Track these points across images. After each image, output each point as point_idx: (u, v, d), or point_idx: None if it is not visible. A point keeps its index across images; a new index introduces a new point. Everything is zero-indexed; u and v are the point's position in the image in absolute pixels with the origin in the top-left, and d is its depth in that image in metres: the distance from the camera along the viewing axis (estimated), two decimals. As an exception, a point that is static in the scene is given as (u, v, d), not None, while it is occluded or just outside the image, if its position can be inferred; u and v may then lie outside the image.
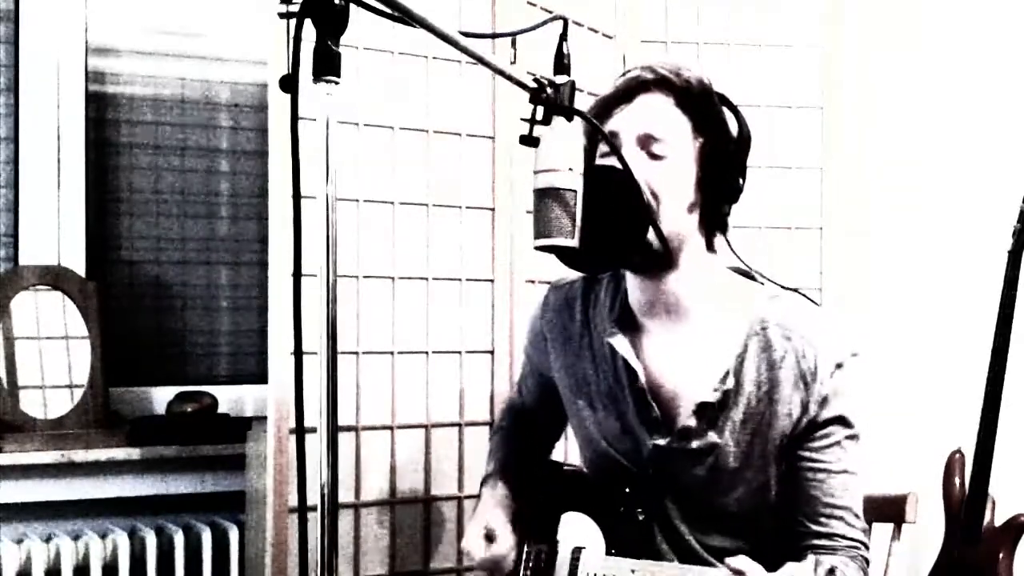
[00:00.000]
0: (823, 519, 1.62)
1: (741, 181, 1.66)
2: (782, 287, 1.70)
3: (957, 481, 2.52)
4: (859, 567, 1.62)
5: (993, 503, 2.42)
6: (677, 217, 1.61)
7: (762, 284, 1.72)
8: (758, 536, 1.67)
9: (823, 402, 1.60)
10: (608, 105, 1.64)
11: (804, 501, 1.62)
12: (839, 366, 1.61)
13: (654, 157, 1.59)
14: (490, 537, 1.77)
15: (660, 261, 1.62)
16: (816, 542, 1.62)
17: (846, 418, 1.62)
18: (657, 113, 1.61)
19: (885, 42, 2.99)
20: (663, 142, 1.60)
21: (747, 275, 1.73)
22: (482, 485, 1.92)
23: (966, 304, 2.81)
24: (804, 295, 1.70)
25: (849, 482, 1.62)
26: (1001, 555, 2.39)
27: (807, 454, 1.62)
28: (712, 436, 1.64)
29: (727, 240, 1.69)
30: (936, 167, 2.98)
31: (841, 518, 1.62)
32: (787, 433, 1.61)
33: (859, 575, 1.62)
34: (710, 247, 1.67)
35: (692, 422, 1.64)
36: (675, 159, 1.60)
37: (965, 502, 2.40)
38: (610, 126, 1.62)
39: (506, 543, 1.76)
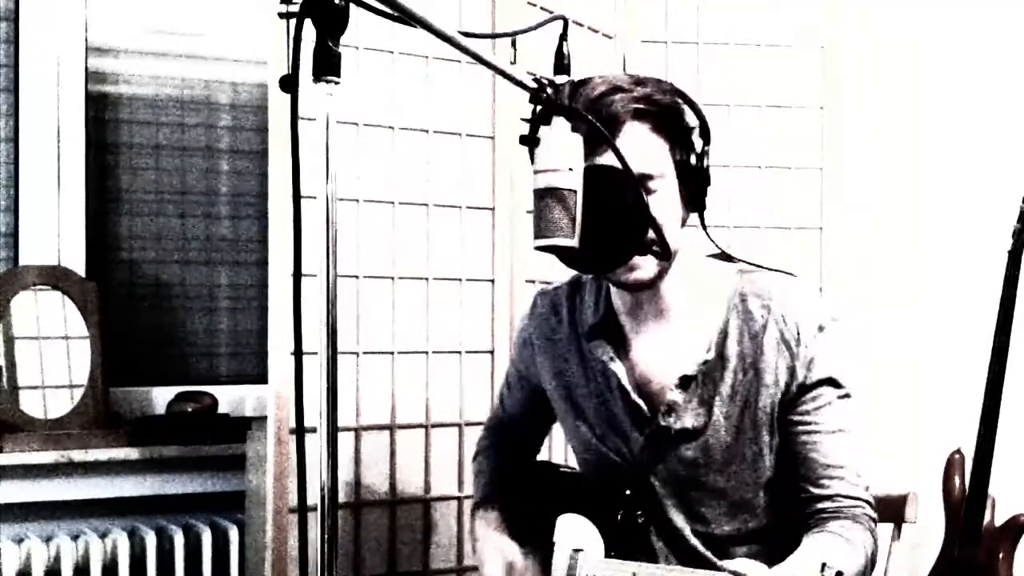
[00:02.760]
0: (823, 480, 1.62)
1: (708, 171, 1.65)
2: (757, 266, 1.71)
3: (957, 481, 2.53)
4: (865, 527, 1.61)
5: (993, 503, 2.42)
6: (675, 236, 1.62)
7: (737, 261, 1.73)
8: (755, 516, 1.68)
9: (809, 365, 1.61)
10: (590, 142, 1.50)
11: (803, 465, 1.63)
12: (821, 329, 1.62)
13: (648, 192, 1.58)
14: (511, 570, 1.76)
15: (651, 280, 1.63)
16: (819, 506, 1.62)
17: (834, 379, 1.63)
18: (644, 149, 1.58)
19: (885, 42, 2.99)
20: (654, 177, 1.59)
21: (725, 258, 1.74)
22: (474, 511, 1.91)
23: (966, 304, 2.81)
24: (785, 272, 1.71)
25: (845, 441, 1.63)
26: (1001, 555, 2.39)
27: (799, 418, 1.63)
28: (702, 413, 1.65)
29: (703, 221, 1.68)
30: (936, 167, 2.98)
31: (842, 478, 1.62)
32: (776, 400, 1.62)
33: (866, 536, 1.61)
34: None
35: (678, 396, 1.65)
36: (665, 187, 1.60)
37: (965, 502, 2.40)
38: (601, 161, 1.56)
39: (530, 568, 1.76)
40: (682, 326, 1.67)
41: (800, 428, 1.63)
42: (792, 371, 1.62)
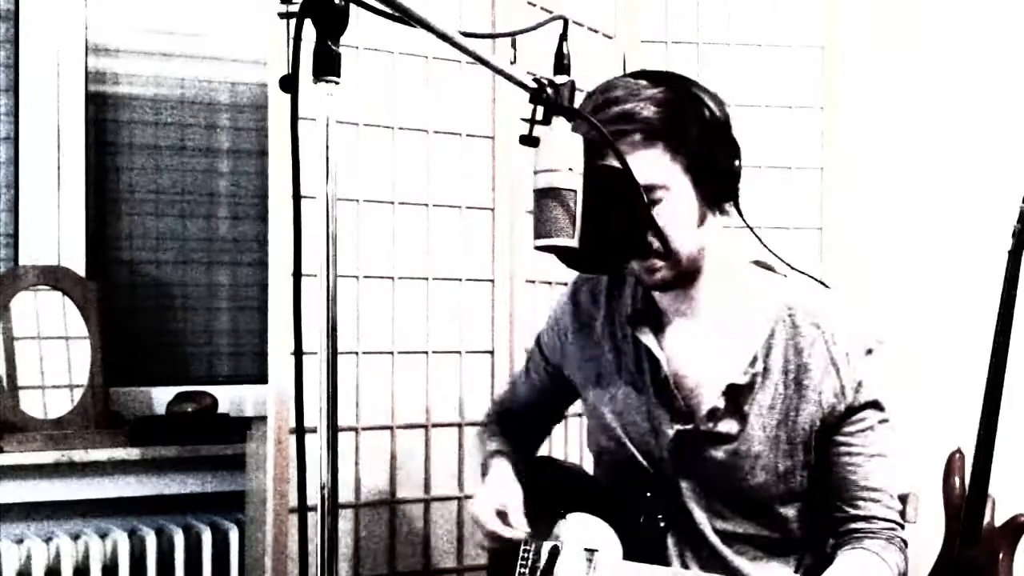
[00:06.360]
0: (860, 502, 1.64)
1: (737, 163, 1.65)
2: (802, 272, 1.72)
3: (957, 481, 2.52)
4: (898, 548, 1.65)
5: (993, 503, 2.42)
6: (689, 239, 1.62)
7: (784, 276, 1.73)
8: (778, 523, 1.68)
9: (858, 387, 1.63)
10: (592, 146, 1.48)
11: (840, 486, 1.65)
12: (870, 352, 1.64)
13: (653, 203, 1.58)
14: (503, 515, 1.77)
15: (674, 282, 1.64)
16: (853, 526, 1.64)
17: (879, 402, 1.65)
18: (641, 162, 1.55)
19: (885, 42, 2.99)
20: (657, 188, 1.58)
21: (769, 268, 1.75)
22: (489, 460, 1.92)
23: (966, 304, 2.81)
24: (821, 282, 1.73)
25: (883, 465, 1.65)
26: (1001, 555, 2.39)
27: (842, 439, 1.64)
28: (738, 420, 1.65)
29: (740, 212, 1.66)
30: (936, 167, 2.98)
31: (878, 500, 1.64)
32: (818, 419, 1.63)
33: (899, 557, 1.64)
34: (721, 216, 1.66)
35: (721, 403, 1.65)
36: (671, 193, 1.59)
37: (965, 502, 2.40)
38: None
39: (523, 528, 1.76)
40: (722, 331, 1.67)
41: (842, 449, 1.64)
42: (840, 392, 1.62)
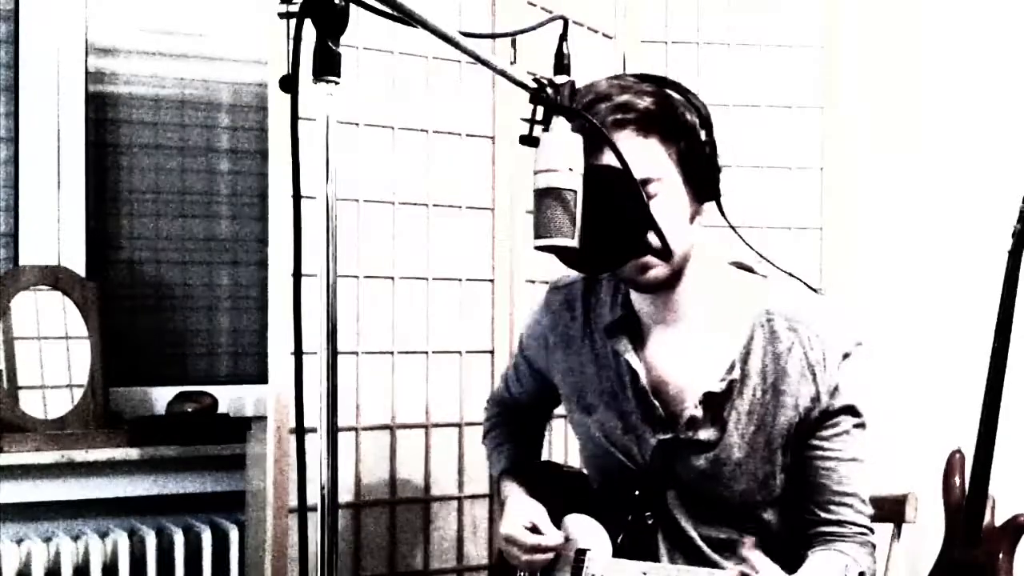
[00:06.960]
0: (832, 507, 1.64)
1: (717, 157, 1.65)
2: (787, 273, 1.71)
3: (957, 481, 2.52)
4: (868, 553, 1.64)
5: (993, 503, 2.42)
6: (683, 236, 1.61)
7: (764, 277, 1.73)
8: (760, 527, 1.68)
9: (834, 392, 1.62)
10: (589, 144, 1.48)
11: (814, 490, 1.64)
12: (846, 356, 1.62)
13: (648, 197, 1.58)
14: (534, 530, 1.78)
15: (665, 281, 1.63)
16: (825, 529, 1.64)
17: (855, 407, 1.64)
18: (639, 153, 1.56)
19: (885, 42, 2.99)
20: (651, 181, 1.58)
21: (748, 269, 1.74)
22: (499, 481, 1.93)
23: (966, 304, 2.81)
24: (805, 283, 1.72)
25: (857, 469, 1.65)
26: (1001, 555, 2.39)
27: (817, 443, 1.64)
28: (718, 427, 1.65)
29: (721, 209, 1.67)
30: (936, 167, 2.98)
31: (850, 505, 1.64)
32: (794, 424, 1.62)
33: (869, 561, 1.64)
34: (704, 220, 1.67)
35: (699, 412, 1.65)
36: (665, 186, 1.60)
37: (965, 502, 2.40)
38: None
39: (557, 536, 1.76)
40: (702, 335, 1.67)
41: (817, 453, 1.64)
42: (815, 397, 1.62)
